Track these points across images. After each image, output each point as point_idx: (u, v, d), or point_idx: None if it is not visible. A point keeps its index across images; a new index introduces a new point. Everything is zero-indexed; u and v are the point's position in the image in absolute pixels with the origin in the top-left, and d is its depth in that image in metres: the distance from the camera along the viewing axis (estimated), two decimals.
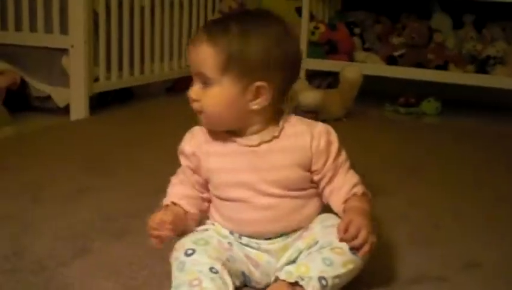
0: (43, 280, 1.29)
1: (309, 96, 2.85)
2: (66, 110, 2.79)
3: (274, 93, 1.23)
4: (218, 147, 1.28)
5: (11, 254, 1.41)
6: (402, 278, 1.37)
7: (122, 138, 2.47)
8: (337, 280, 1.17)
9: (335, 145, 1.31)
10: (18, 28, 2.89)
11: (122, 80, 3.06)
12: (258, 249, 1.26)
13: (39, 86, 2.84)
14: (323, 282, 1.15)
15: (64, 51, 2.78)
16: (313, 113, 2.85)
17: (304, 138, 1.28)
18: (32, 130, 2.57)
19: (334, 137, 1.31)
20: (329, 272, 1.16)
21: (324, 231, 1.23)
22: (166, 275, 1.25)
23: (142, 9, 3.15)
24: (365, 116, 3.06)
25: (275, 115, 1.28)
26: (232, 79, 1.22)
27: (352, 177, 1.32)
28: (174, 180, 1.34)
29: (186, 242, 1.23)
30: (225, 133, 1.28)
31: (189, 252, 1.19)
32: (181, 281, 1.16)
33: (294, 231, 1.27)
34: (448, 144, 2.65)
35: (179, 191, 1.31)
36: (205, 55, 1.22)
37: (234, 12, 1.37)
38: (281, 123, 1.28)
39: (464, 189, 2.03)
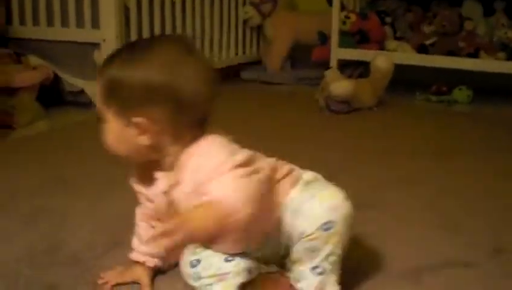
0: (79, 272, 1.32)
1: (340, 86, 2.85)
2: None
3: (166, 128, 1.11)
4: (141, 186, 1.22)
5: (48, 247, 1.45)
6: (431, 264, 1.39)
7: None
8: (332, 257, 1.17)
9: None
10: (50, 23, 2.94)
11: None
12: None
13: (72, 81, 2.88)
14: (318, 270, 1.16)
15: (95, 45, 2.81)
16: (345, 103, 2.86)
17: (198, 176, 1.09)
18: (66, 125, 2.61)
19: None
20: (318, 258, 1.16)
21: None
22: None
23: (173, 3, 3.17)
24: (396, 105, 3.05)
25: (190, 142, 1.13)
26: (114, 113, 1.11)
27: None
28: (137, 215, 1.29)
29: (186, 258, 1.17)
30: (148, 167, 1.17)
31: (194, 263, 1.15)
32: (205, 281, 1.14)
33: None
34: (479, 132, 2.63)
35: (142, 240, 1.26)
36: (97, 87, 1.14)
37: (142, 39, 1.22)
38: (182, 158, 1.13)
39: (493, 177, 2.02)
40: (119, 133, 1.13)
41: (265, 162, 1.18)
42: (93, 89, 2.83)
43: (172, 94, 1.09)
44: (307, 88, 3.31)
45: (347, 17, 3.48)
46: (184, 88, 1.10)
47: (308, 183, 1.20)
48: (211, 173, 1.06)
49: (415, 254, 1.43)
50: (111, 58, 1.13)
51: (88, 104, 2.84)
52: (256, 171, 1.08)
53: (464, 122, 2.83)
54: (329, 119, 2.79)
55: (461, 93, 3.18)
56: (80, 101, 2.88)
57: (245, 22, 3.78)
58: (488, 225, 1.61)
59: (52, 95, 2.84)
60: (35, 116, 2.58)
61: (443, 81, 3.25)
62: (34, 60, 2.78)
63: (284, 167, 1.22)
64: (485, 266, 1.39)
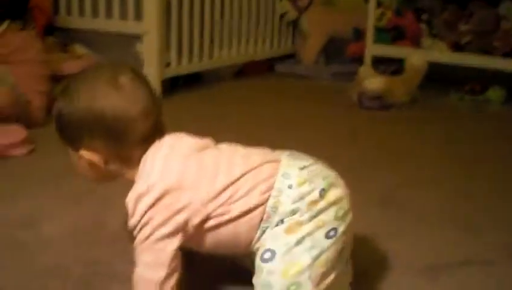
0: (119, 250, 1.42)
1: (374, 82, 2.90)
2: None
3: (110, 155, 1.19)
4: None
5: (92, 226, 1.55)
6: (448, 263, 1.45)
7: (193, 119, 2.58)
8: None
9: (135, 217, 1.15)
10: (95, 14, 3.05)
11: (192, 65, 3.18)
12: None
13: None
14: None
15: (138, 37, 2.91)
16: (377, 99, 2.91)
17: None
18: None
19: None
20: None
21: None
22: None
23: None
24: (429, 103, 3.08)
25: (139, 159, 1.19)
26: (67, 147, 1.24)
27: None
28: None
29: None
30: None
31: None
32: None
33: None
34: (510, 134, 2.65)
35: None
36: None
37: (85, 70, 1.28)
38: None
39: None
40: (78, 164, 1.23)
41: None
42: None
43: (101, 124, 1.15)
44: (341, 83, 3.37)
45: (383, 13, 3.52)
46: (107, 116, 1.15)
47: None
48: (131, 205, 1.14)
49: (433, 253, 1.49)
50: (61, 91, 1.22)
51: None
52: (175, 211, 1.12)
53: (496, 123, 2.85)
54: (360, 115, 2.85)
55: (495, 93, 3.20)
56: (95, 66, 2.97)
57: (281, 16, 3.84)
58: (507, 227, 1.66)
59: None
60: None
61: (477, 81, 3.26)
62: (79, 49, 2.90)
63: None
64: (502, 266, 1.44)
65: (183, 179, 1.14)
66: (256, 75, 3.59)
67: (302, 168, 1.17)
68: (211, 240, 1.17)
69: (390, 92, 2.92)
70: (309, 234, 1.11)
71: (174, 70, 3.07)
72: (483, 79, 3.28)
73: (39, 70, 2.42)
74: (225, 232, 1.16)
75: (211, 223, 1.15)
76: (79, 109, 1.16)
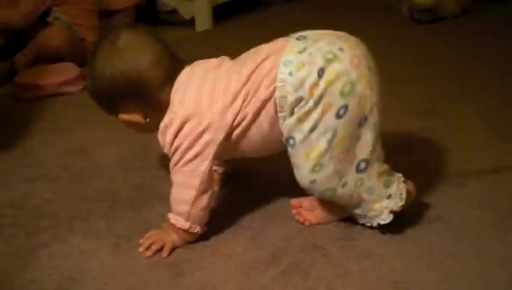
0: (163, 175, 1.53)
1: None
2: (192, 22, 3.00)
3: (145, 108, 1.27)
4: None
5: (138, 154, 1.67)
6: (478, 168, 1.50)
7: (242, 49, 2.63)
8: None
9: (166, 147, 1.26)
10: None
11: None
12: None
13: (166, 0, 3.05)
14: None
15: None
16: (428, 12, 2.87)
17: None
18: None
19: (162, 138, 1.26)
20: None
21: None
22: None
23: None
24: (483, 13, 3.00)
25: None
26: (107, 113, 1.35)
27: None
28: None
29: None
30: None
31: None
32: None
33: None
34: None
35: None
36: None
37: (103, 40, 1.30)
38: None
39: None
40: (127, 125, 1.33)
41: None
42: (186, 8, 3.01)
43: (120, 89, 1.25)
44: None
45: None
46: (120, 80, 1.24)
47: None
48: (160, 138, 1.26)
49: (464, 159, 1.55)
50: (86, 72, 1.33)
51: (181, 23, 3.02)
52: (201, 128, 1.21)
53: None
54: (411, 28, 2.82)
55: None
56: (174, 20, 3.05)
57: None
58: None
59: (150, 15, 3.04)
60: None
61: None
62: None
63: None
64: None
65: (201, 103, 1.22)
66: None
67: (301, 51, 1.18)
68: (246, 147, 1.27)
69: (441, 4, 2.87)
70: (319, 120, 1.16)
71: None
72: None
73: (89, 6, 2.51)
74: (253, 135, 1.24)
75: (237, 132, 1.23)
76: (97, 83, 1.27)
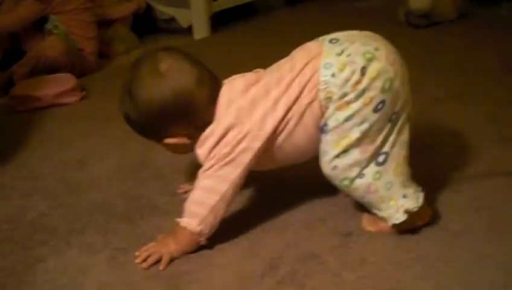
0: (161, 186, 1.54)
1: (419, 0, 2.86)
2: (189, 30, 3.00)
3: (188, 130, 1.27)
4: None
5: (137, 164, 1.68)
6: (475, 172, 1.52)
7: (241, 56, 2.64)
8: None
9: (202, 156, 1.27)
10: None
11: None
12: None
13: (163, 9, 3.06)
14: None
15: None
16: (424, 17, 2.87)
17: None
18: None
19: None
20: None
21: None
22: None
23: None
24: (479, 17, 3.00)
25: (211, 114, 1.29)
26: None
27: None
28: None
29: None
30: None
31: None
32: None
33: None
34: None
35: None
36: None
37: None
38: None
39: None
40: (170, 149, 1.34)
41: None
42: (183, 16, 3.01)
43: (167, 113, 1.25)
44: (391, 4, 3.32)
45: None
46: (169, 103, 1.24)
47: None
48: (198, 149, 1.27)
49: (459, 164, 1.55)
50: (120, 98, 1.31)
51: (179, 31, 3.03)
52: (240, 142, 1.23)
53: None
54: (408, 34, 2.82)
55: None
56: (172, 28, 3.06)
57: None
58: None
59: (147, 24, 3.04)
60: (131, 45, 2.78)
61: None
62: None
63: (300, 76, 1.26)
64: None
65: (241, 113, 1.24)
66: (307, 1, 3.58)
67: (340, 54, 1.22)
68: (288, 152, 1.29)
69: (436, 9, 2.88)
70: (357, 111, 1.21)
71: (221, 4, 3.10)
72: None
73: (86, 17, 2.52)
74: (298, 137, 1.27)
75: (281, 137, 1.26)
76: (142, 110, 1.26)
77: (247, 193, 1.48)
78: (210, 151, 1.24)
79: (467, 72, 2.24)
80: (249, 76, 1.31)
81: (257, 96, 1.25)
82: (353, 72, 1.19)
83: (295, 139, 1.27)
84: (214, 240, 1.29)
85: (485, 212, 1.36)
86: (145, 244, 1.29)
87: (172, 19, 3.07)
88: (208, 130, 1.25)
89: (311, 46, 1.29)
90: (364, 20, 3.09)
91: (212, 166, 1.24)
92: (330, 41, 1.26)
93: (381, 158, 1.24)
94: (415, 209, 1.25)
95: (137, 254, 1.27)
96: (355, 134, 1.22)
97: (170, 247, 1.26)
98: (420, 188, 1.28)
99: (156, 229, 1.35)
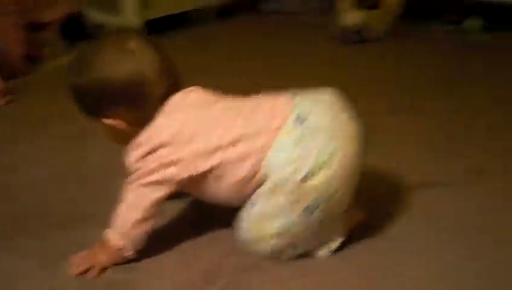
0: (96, 192, 1.51)
1: (352, 16, 2.92)
2: None
3: (132, 118, 1.22)
4: None
5: (72, 171, 1.64)
6: (411, 183, 1.55)
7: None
8: None
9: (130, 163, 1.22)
10: None
11: (173, 6, 3.17)
12: None
13: (94, 15, 3.00)
14: None
15: None
16: (357, 33, 2.93)
17: None
18: None
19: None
20: None
21: None
22: None
23: None
24: (409, 35, 3.08)
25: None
26: (88, 116, 1.27)
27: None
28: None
29: None
30: None
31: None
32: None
33: None
34: (486, 62, 2.66)
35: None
36: None
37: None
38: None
39: (487, 102, 2.13)
40: (105, 131, 1.27)
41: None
42: (113, 23, 2.96)
43: (118, 91, 1.19)
44: (323, 18, 3.37)
45: None
46: (123, 82, 1.18)
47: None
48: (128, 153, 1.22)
49: (396, 174, 1.59)
50: (70, 66, 1.25)
51: None
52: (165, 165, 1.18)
53: (472, 52, 2.86)
54: (341, 49, 2.87)
55: (473, 23, 3.20)
56: (102, 35, 3.00)
57: None
58: (473, 148, 1.76)
59: (78, 30, 2.97)
60: (61, 50, 2.71)
61: (455, 11, 3.26)
62: None
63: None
64: (459, 185, 1.55)
65: (182, 135, 1.18)
66: (240, 14, 3.59)
67: (296, 143, 1.16)
68: (212, 189, 1.23)
69: (368, 26, 2.94)
70: (286, 206, 1.17)
71: (154, 12, 3.06)
72: (460, 9, 3.27)
73: (13, 20, 2.45)
74: (229, 188, 1.22)
75: (213, 181, 1.21)
76: (93, 80, 1.19)
77: (183, 202, 1.46)
78: (138, 160, 1.20)
79: (402, 86, 2.31)
80: (207, 97, 1.26)
81: (204, 127, 1.19)
82: (298, 172, 1.14)
83: (226, 190, 1.22)
84: (148, 249, 1.26)
85: (421, 219, 1.40)
86: (80, 252, 1.25)
87: (102, 26, 3.01)
88: (142, 138, 1.20)
89: (279, 102, 1.22)
90: (296, 34, 3.14)
91: (138, 179, 1.20)
92: (297, 118, 1.18)
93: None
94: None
95: (69, 262, 1.23)
96: (276, 225, 1.19)
97: (101, 257, 1.23)
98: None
99: (92, 238, 1.30)
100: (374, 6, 3.27)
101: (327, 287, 1.18)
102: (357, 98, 2.07)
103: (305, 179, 1.14)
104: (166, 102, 1.22)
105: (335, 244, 1.26)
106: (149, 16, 3.03)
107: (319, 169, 1.14)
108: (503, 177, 1.59)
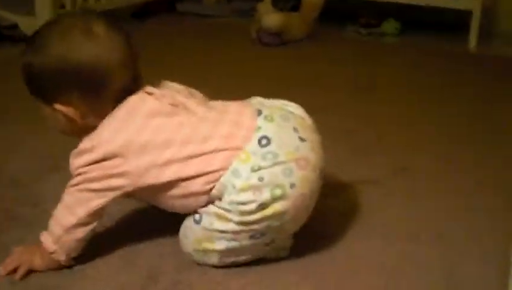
0: (19, 195, 1.43)
1: (272, 18, 2.93)
2: None
3: (86, 108, 1.14)
4: None
5: None
6: (345, 183, 1.56)
7: None
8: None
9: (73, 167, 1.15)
10: None
11: (88, 4, 3.08)
12: None
13: (5, 15, 2.87)
14: None
15: None
16: (276, 36, 2.94)
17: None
18: (3, 59, 2.61)
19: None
20: None
21: None
22: None
23: None
24: (327, 38, 3.13)
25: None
26: (39, 101, 1.18)
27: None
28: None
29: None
30: None
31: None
32: None
33: None
34: (405, 65, 2.73)
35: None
36: None
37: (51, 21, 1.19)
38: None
39: (409, 104, 2.19)
40: (51, 118, 1.18)
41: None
42: (27, 23, 2.84)
43: (77, 75, 1.10)
44: (242, 21, 3.38)
45: None
46: (84, 66, 1.10)
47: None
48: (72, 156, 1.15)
49: (331, 175, 1.57)
50: (27, 44, 1.16)
51: (24, 39, 2.84)
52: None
53: (390, 54, 2.93)
54: (260, 52, 2.87)
55: (390, 26, 3.27)
56: (16, 36, 2.87)
57: None
58: (396, 147, 1.80)
59: None
60: None
61: (372, 13, 3.33)
62: None
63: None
64: (388, 183, 1.57)
65: (132, 146, 1.11)
66: (156, 15, 3.54)
67: (255, 170, 1.10)
68: (161, 199, 1.18)
69: (287, 28, 2.96)
70: (233, 232, 1.13)
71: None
72: (378, 12, 3.34)
73: None
74: (173, 196, 1.16)
75: (161, 194, 1.16)
76: (52, 60, 1.11)
77: (125, 204, 1.40)
78: (81, 167, 1.13)
79: (320, 88, 2.32)
80: (164, 105, 1.15)
81: (157, 139, 1.12)
82: (250, 201, 1.09)
83: (174, 201, 1.17)
84: (84, 254, 1.20)
85: (351, 216, 1.40)
86: (4, 257, 1.18)
87: (15, 26, 2.88)
88: (88, 144, 1.12)
89: (242, 126, 1.15)
90: (216, 36, 3.12)
91: (77, 184, 1.13)
92: (260, 140, 1.13)
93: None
94: None
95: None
96: (220, 246, 1.15)
97: (34, 258, 1.16)
98: None
99: (17, 242, 1.24)
100: (293, 8, 3.31)
101: (265, 285, 1.16)
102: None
103: (257, 209, 1.10)
104: (122, 102, 1.14)
105: (284, 253, 1.24)
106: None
107: (274, 201, 1.10)
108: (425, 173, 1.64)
